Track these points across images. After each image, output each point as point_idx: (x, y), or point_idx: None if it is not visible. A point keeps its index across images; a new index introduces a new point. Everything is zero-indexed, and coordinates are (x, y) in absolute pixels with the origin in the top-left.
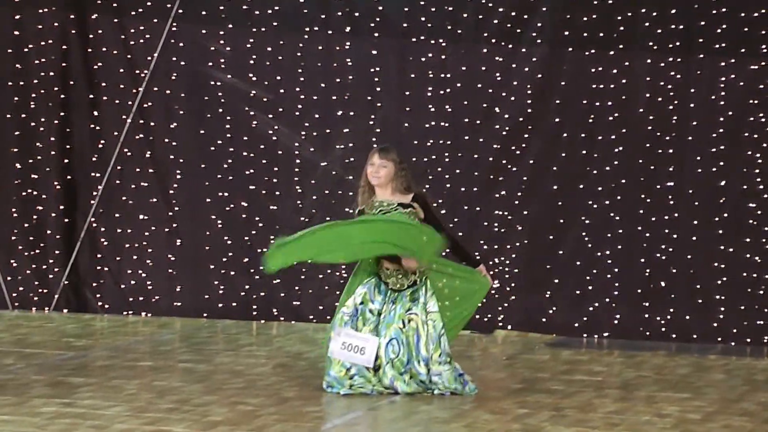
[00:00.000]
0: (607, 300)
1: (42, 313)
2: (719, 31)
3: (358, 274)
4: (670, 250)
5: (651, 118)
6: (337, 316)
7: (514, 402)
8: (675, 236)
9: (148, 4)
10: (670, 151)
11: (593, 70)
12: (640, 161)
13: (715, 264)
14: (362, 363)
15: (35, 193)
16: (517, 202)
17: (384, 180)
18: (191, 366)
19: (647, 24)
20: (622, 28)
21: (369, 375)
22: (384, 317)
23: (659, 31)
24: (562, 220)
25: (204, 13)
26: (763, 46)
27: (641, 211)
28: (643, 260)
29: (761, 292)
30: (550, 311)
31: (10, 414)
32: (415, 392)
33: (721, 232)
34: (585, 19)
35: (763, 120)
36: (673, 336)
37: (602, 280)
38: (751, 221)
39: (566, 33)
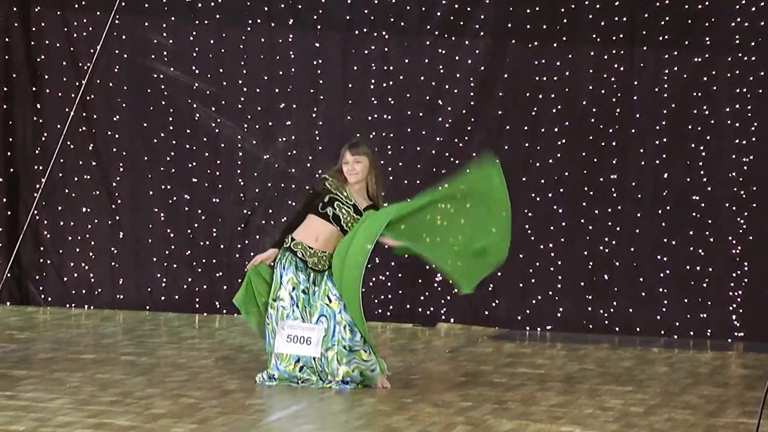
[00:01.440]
0: (550, 293)
1: None
2: (663, 23)
3: (259, 268)
4: (614, 243)
5: (594, 110)
6: (272, 312)
7: (457, 395)
8: (618, 229)
9: None
10: (614, 143)
11: (536, 62)
12: (584, 154)
13: (659, 257)
14: (309, 354)
15: None
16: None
17: (361, 175)
18: (134, 359)
19: (591, 16)
20: (565, 21)
21: (315, 365)
22: (309, 297)
23: (603, 23)
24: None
25: (146, 5)
26: (707, 39)
27: (584, 204)
28: (586, 253)
29: (705, 285)
30: (493, 304)
31: None
32: (353, 376)
33: (664, 224)
34: (528, 11)
35: (706, 113)
36: (616, 329)
37: (545, 273)
38: (694, 214)
39: (509, 25)
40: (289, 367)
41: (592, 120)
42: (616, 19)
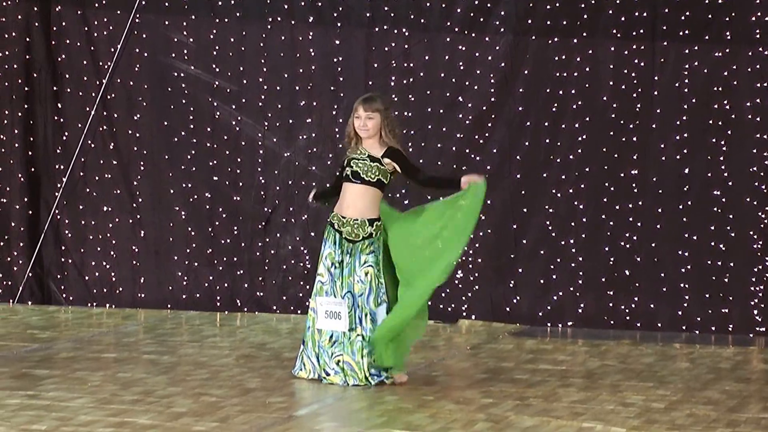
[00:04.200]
0: (572, 289)
1: (6, 306)
2: (683, 18)
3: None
4: (635, 238)
5: (615, 105)
6: (315, 287)
7: (478, 392)
8: (639, 224)
9: None
10: (634, 138)
11: (557, 58)
12: (604, 149)
13: (680, 252)
14: (339, 329)
15: None
16: None
17: (372, 131)
18: (155, 357)
19: (611, 11)
20: (585, 16)
21: (347, 343)
22: (341, 271)
23: (623, 18)
24: (525, 209)
25: (167, 4)
26: (727, 33)
27: (605, 200)
28: (607, 249)
29: (726, 280)
30: (514, 300)
31: None
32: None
33: (685, 219)
34: (548, 7)
35: (727, 107)
36: (638, 325)
37: (566, 269)
38: (715, 209)
39: (530, 21)
40: (325, 343)
41: (613, 115)
42: (637, 14)
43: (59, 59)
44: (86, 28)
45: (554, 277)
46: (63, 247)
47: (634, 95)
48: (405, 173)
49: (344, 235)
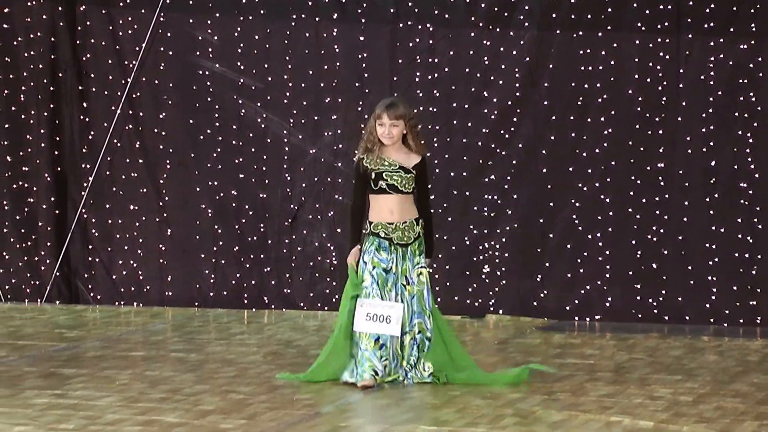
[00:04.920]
0: (599, 283)
1: (34, 305)
2: (708, 10)
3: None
4: (662, 231)
5: (640, 99)
6: (353, 294)
7: (505, 387)
8: (666, 217)
9: None
10: (660, 132)
11: (582, 52)
12: (630, 143)
13: (707, 245)
14: (389, 333)
15: (26, 185)
16: (506, 186)
17: (396, 138)
18: (183, 355)
19: (635, 4)
20: (610, 10)
21: (397, 347)
22: (390, 276)
23: (648, 11)
24: (552, 204)
25: (191, 2)
26: (752, 25)
27: (632, 193)
28: (634, 242)
29: (753, 272)
30: (542, 295)
31: (3, 406)
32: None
33: (712, 212)
34: (573, 1)
35: (753, 99)
36: (666, 318)
37: (593, 262)
38: (742, 201)
39: (554, 15)
40: (370, 345)
41: (639, 109)
42: (661, 7)
43: (84, 59)
44: (111, 27)
45: (581, 271)
46: (90, 246)
47: (660, 88)
48: (416, 186)
49: (395, 240)
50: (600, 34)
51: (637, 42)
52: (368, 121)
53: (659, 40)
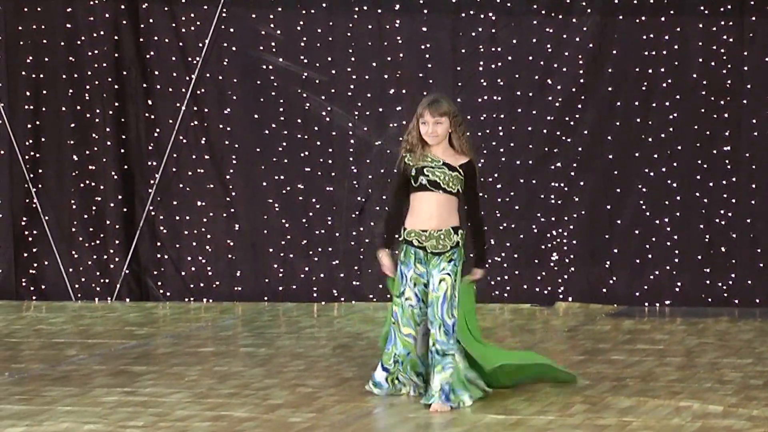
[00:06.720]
0: (668, 268)
1: (104, 303)
2: None
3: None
4: (730, 215)
5: (705, 83)
6: (396, 310)
7: (576, 373)
8: (734, 201)
9: None
10: (726, 115)
11: (645, 37)
12: (696, 127)
13: None
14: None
15: (93, 184)
16: (573, 174)
17: (441, 137)
18: (252, 350)
19: None
20: None
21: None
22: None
23: None
24: (619, 190)
25: None
26: None
27: (699, 177)
28: (702, 226)
29: None
30: (611, 281)
31: (73, 404)
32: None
33: None
34: None
35: None
36: (736, 301)
37: (662, 248)
38: None
39: (616, 1)
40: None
41: (703, 93)
42: None
43: (148, 56)
44: (174, 24)
45: (650, 256)
46: (159, 244)
47: (724, 71)
48: (465, 193)
49: (429, 249)
50: (663, 18)
51: (701, 26)
52: (410, 122)
53: (722, 23)
